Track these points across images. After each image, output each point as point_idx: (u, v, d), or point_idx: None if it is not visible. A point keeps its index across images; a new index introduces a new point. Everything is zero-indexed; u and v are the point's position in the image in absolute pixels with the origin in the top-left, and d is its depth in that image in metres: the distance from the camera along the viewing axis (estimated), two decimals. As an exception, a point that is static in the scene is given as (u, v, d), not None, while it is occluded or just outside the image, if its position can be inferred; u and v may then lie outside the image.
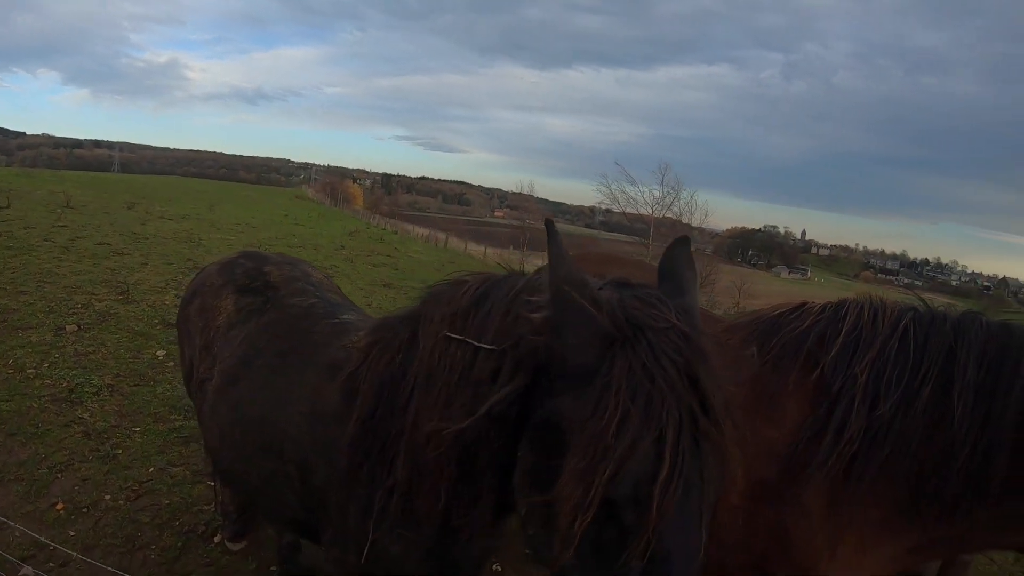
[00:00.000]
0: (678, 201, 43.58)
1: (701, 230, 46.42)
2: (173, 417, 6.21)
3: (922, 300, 2.70)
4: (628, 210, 44.98)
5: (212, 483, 4.84)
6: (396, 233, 42.75)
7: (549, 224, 1.56)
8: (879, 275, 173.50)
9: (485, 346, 1.69)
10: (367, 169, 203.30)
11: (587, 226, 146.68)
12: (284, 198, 63.51)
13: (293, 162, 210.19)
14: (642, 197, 43.82)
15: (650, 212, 43.90)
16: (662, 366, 1.36)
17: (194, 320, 3.41)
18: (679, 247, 1.83)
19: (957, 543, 2.52)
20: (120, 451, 5.46)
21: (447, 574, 2.26)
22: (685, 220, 44.35)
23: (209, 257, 14.84)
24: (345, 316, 2.96)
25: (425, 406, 1.86)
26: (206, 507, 4.83)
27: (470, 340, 1.74)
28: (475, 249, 41.44)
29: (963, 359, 2.34)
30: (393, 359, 2.13)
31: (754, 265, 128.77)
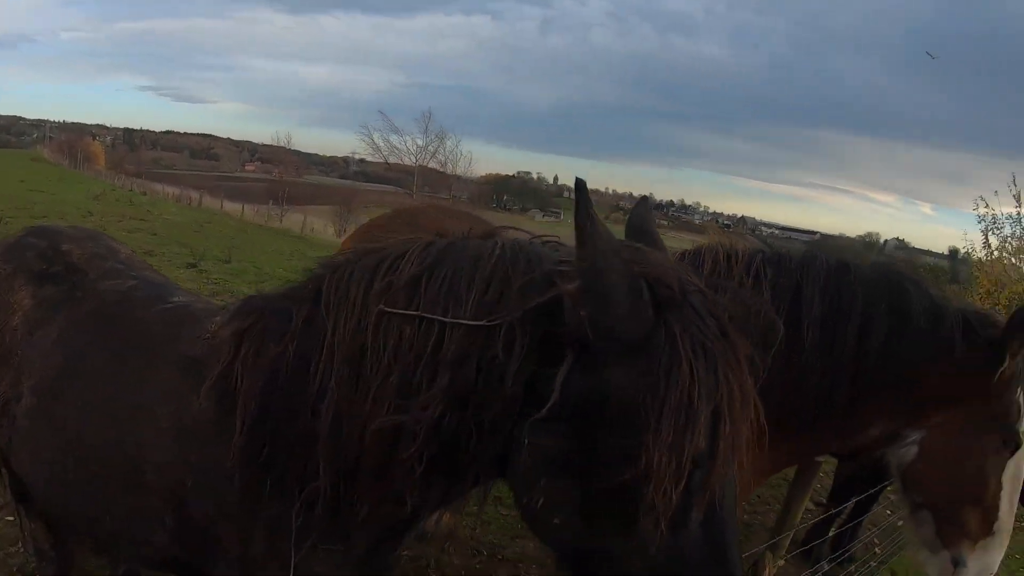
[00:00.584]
0: (443, 149, 44.00)
1: (458, 178, 47.18)
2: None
3: (766, 243, 3.07)
4: (391, 159, 44.74)
5: (13, 519, 3.78)
6: (145, 194, 39.76)
7: (580, 185, 1.39)
8: (627, 215, 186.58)
9: (469, 322, 1.47)
10: (107, 124, 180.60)
11: (342, 177, 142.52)
12: (19, 161, 56.30)
13: (25, 119, 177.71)
14: (405, 146, 43.76)
15: (414, 161, 43.99)
16: (709, 326, 1.36)
17: None
18: (644, 206, 1.90)
19: (814, 450, 3.11)
20: None
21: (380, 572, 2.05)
22: (449, 169, 45.05)
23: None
24: (176, 299, 2.49)
25: (354, 399, 1.60)
26: (12, 548, 4.03)
27: (434, 316, 1.50)
28: (231, 207, 39.41)
29: (809, 295, 2.74)
30: (284, 348, 1.77)
31: (509, 210, 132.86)
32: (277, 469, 1.77)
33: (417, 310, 1.52)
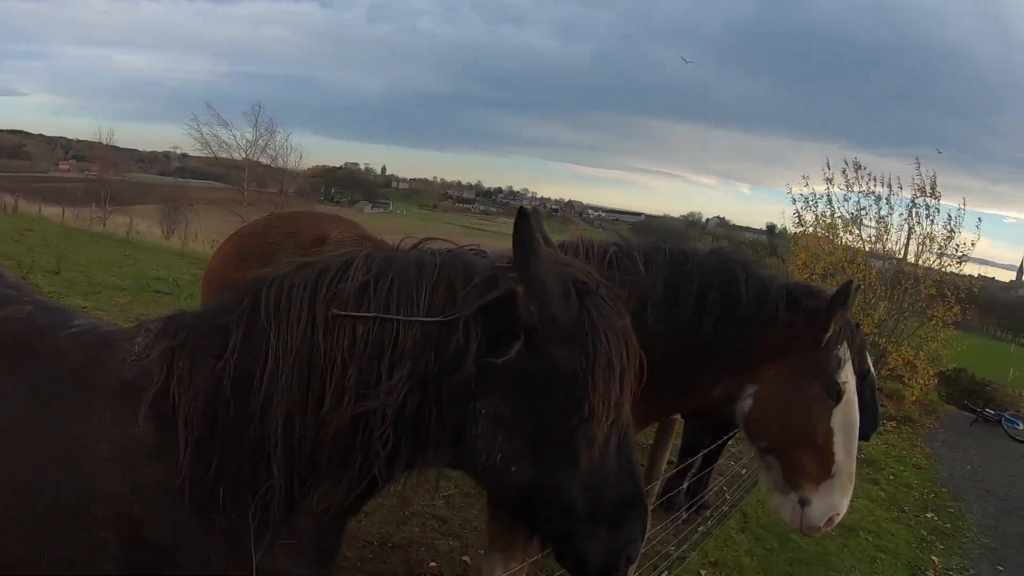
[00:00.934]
0: (273, 143, 42.69)
1: (285, 171, 45.83)
2: None
3: (622, 237, 3.54)
4: (221, 154, 42.79)
5: None
6: None
7: (523, 212, 1.72)
8: (457, 204, 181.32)
9: (427, 319, 1.74)
10: None
11: (162, 173, 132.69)
12: None
13: None
14: (235, 141, 42.10)
15: (244, 156, 42.44)
16: (612, 308, 1.81)
17: None
18: (537, 217, 2.17)
19: (668, 410, 3.65)
20: None
21: (330, 557, 2.16)
22: (280, 163, 43.68)
23: None
24: (78, 322, 2.34)
25: (307, 397, 1.77)
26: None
27: (389, 316, 1.75)
28: (51, 211, 36.72)
29: (653, 280, 3.20)
30: (225, 362, 1.85)
31: (338, 203, 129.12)
32: (229, 479, 1.84)
33: (369, 311, 1.75)
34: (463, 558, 4.98)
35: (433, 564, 4.83)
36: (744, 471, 7.11)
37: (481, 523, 5.36)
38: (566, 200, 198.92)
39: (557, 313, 1.72)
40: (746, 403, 3.30)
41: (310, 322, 1.79)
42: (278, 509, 1.86)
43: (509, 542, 3.57)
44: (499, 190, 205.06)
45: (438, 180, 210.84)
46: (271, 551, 1.91)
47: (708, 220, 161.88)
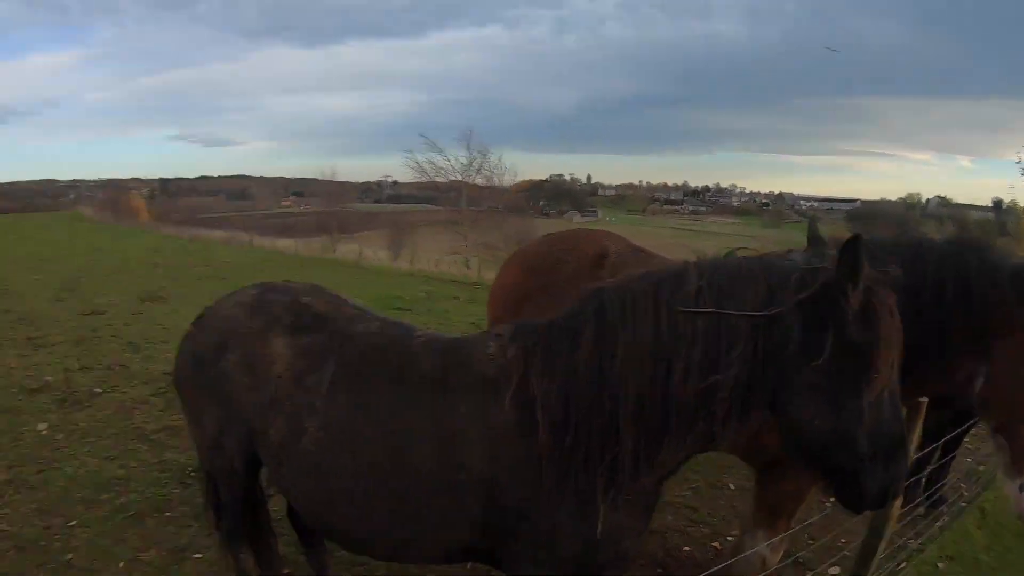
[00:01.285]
0: (487, 164, 44.78)
1: (497, 189, 47.82)
2: (105, 497, 5.45)
3: (866, 235, 3.68)
4: (438, 179, 45.56)
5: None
6: (193, 241, 40.29)
7: (857, 236, 2.07)
8: (665, 206, 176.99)
9: (756, 313, 2.15)
10: (142, 177, 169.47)
11: (377, 201, 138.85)
12: (62, 222, 54.98)
13: (59, 181, 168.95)
14: (450, 165, 44.56)
15: (461, 178, 44.88)
16: (887, 298, 2.14)
17: (235, 377, 2.89)
18: (812, 225, 2.71)
19: (916, 392, 3.40)
20: (71, 555, 4.58)
21: (651, 512, 2.62)
22: (495, 182, 45.76)
23: (24, 303, 14.07)
24: (420, 332, 2.84)
25: (654, 377, 2.19)
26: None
27: (725, 311, 2.16)
28: (284, 244, 40.05)
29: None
30: (576, 356, 2.28)
31: (547, 214, 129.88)
32: (581, 451, 2.26)
33: (706, 308, 2.19)
34: (713, 544, 5.28)
35: (687, 548, 5.16)
36: (981, 467, 6.96)
37: (728, 512, 5.71)
38: (776, 192, 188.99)
39: (858, 303, 2.11)
40: (979, 381, 3.31)
41: (655, 319, 2.22)
42: (626, 472, 2.28)
43: (773, 521, 3.87)
44: (706, 188, 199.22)
45: (644, 184, 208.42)
46: (614, 506, 2.35)
47: (928, 201, 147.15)
